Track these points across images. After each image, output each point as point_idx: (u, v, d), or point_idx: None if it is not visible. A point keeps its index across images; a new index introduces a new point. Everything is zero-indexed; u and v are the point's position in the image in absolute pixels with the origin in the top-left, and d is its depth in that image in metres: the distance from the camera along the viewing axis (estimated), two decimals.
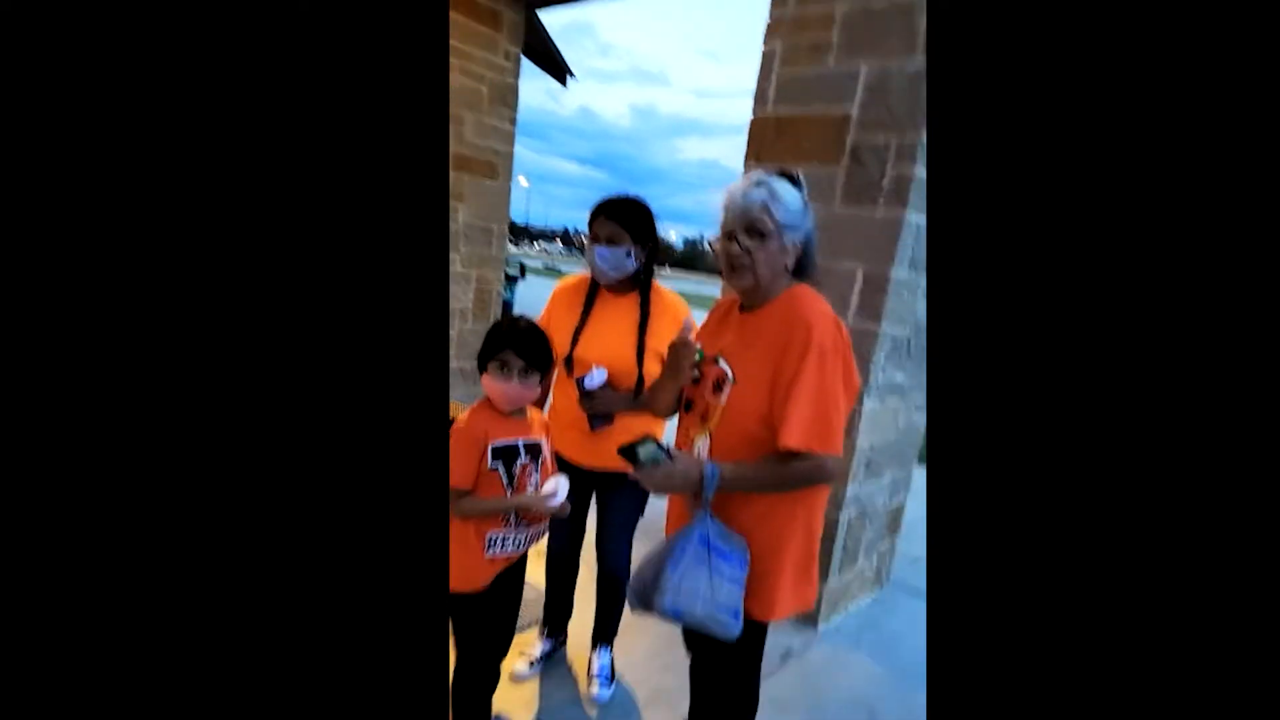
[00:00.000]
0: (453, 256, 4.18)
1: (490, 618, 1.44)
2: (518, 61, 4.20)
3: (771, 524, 1.19)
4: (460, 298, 4.28)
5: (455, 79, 3.88)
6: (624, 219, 1.61)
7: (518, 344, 1.33)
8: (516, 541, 1.41)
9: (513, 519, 1.38)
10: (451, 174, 4.02)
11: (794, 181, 1.19)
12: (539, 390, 1.41)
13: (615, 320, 1.68)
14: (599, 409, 1.62)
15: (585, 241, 1.66)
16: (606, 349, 1.65)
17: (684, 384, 1.29)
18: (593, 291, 1.73)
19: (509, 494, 1.36)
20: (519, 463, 1.37)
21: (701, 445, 1.22)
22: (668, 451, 1.10)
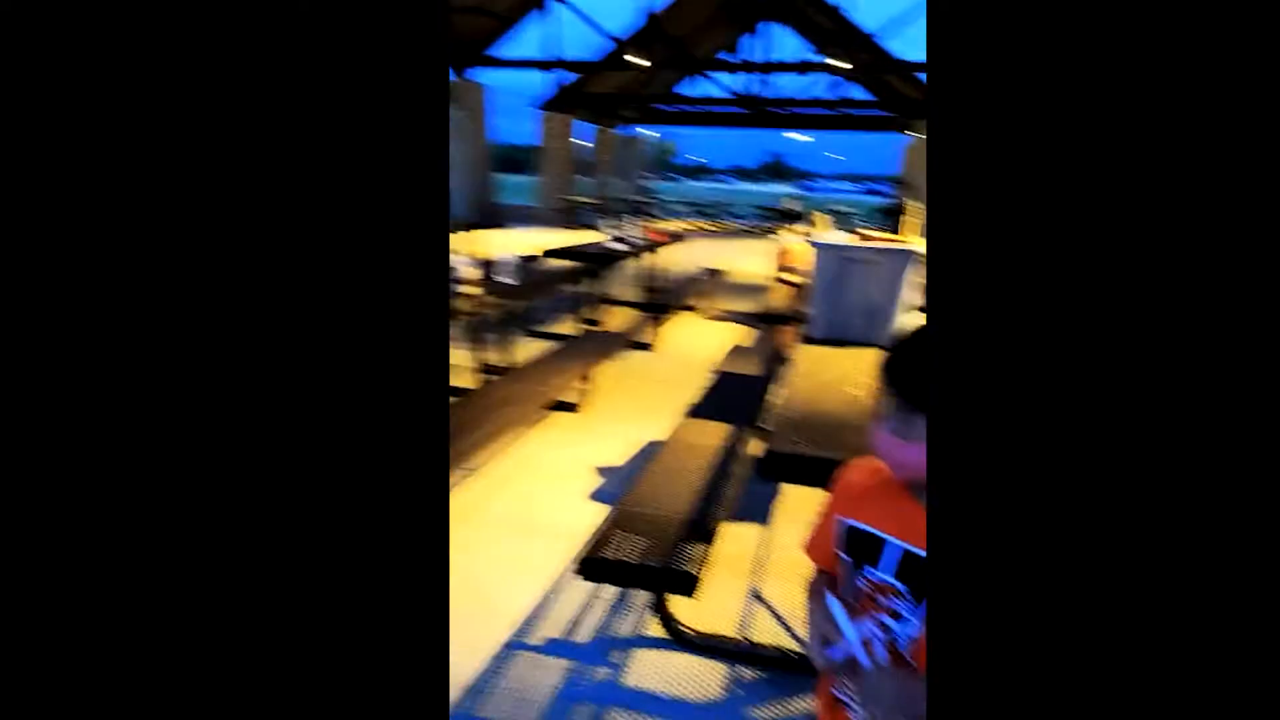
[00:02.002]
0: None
1: None
2: None
3: None
4: None
5: None
6: None
7: (887, 368, 0.70)
8: (857, 713, 0.75)
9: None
10: None
11: None
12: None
13: None
14: None
15: None
16: None
17: None
18: None
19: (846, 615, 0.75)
20: (867, 573, 0.73)
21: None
22: None
